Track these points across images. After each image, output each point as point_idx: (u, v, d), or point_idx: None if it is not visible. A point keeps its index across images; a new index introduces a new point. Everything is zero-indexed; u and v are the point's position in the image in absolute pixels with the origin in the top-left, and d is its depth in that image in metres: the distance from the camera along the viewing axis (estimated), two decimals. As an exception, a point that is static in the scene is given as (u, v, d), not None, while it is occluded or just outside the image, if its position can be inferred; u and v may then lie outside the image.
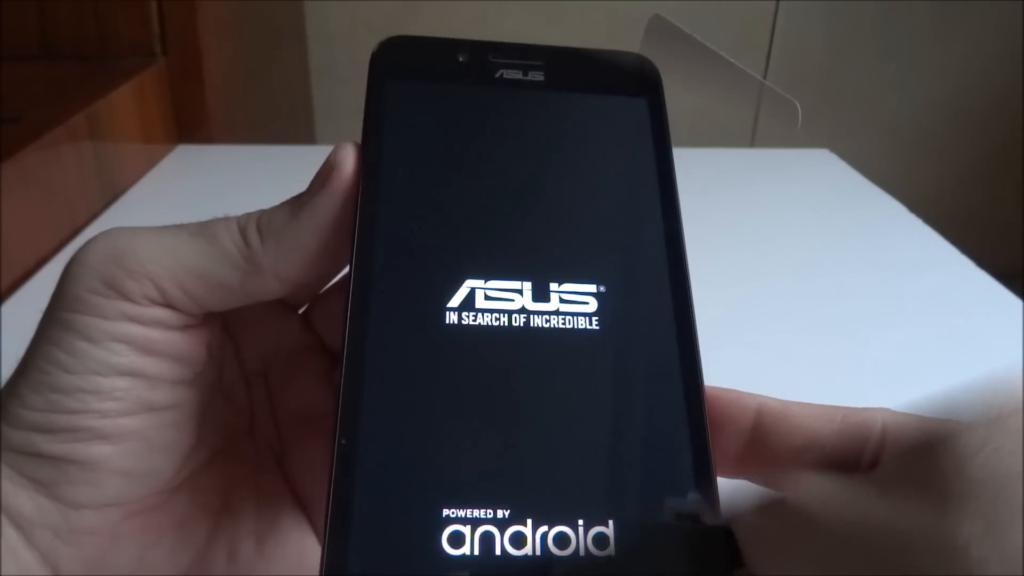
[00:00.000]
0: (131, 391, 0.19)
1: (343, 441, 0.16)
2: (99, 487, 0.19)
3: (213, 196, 0.59)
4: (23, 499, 0.19)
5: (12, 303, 0.45)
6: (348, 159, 0.19)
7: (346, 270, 0.22)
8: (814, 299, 0.49)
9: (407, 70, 0.21)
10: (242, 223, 0.20)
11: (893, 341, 0.45)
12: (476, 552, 0.15)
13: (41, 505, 0.19)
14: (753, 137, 1.31)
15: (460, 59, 0.21)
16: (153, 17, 0.64)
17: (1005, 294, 0.50)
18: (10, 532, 0.19)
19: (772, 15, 1.23)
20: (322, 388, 0.23)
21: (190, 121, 0.68)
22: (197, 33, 0.66)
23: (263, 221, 0.20)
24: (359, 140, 0.21)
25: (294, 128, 1.12)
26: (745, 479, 0.18)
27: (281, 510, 0.22)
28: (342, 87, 1.20)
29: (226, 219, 0.20)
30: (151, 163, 0.64)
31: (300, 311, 0.24)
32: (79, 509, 0.19)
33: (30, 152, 0.48)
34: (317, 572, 0.21)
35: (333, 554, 0.15)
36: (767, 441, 0.17)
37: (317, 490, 0.22)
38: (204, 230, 0.20)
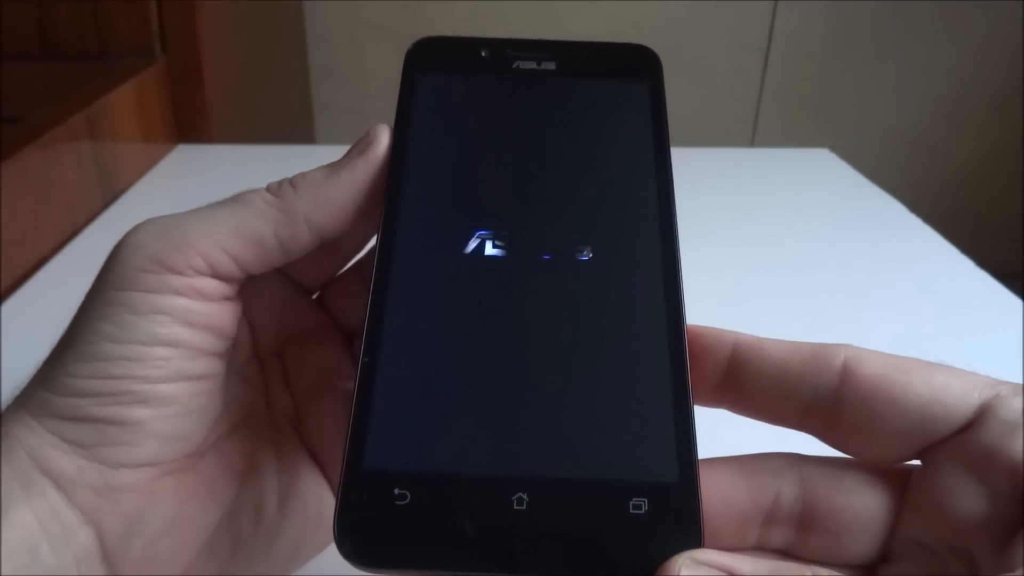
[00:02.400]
0: (171, 360, 0.21)
1: (366, 359, 0.19)
2: (137, 447, 0.21)
3: (213, 196, 0.59)
4: (64, 461, 0.20)
5: (12, 303, 0.45)
6: (384, 135, 0.22)
7: (356, 258, 0.26)
8: (814, 299, 0.49)
9: (435, 63, 0.24)
10: (273, 184, 0.22)
11: (893, 340, 0.45)
12: (471, 451, 0.18)
13: (81, 466, 0.20)
14: (753, 137, 1.32)
15: (482, 53, 0.24)
16: (153, 17, 0.64)
17: (1005, 294, 0.50)
18: (52, 493, 0.20)
19: (771, 15, 1.23)
20: (337, 359, 0.25)
21: (190, 121, 0.68)
22: (197, 33, 0.66)
23: (299, 177, 0.22)
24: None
25: (294, 128, 1.12)
26: (722, 408, 0.20)
27: (299, 470, 0.24)
28: (342, 87, 1.20)
29: (251, 188, 0.22)
30: (151, 163, 0.64)
31: (314, 296, 0.26)
32: (118, 468, 0.20)
33: (30, 152, 0.48)
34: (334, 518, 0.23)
35: (354, 446, 0.18)
36: (742, 371, 0.19)
37: (333, 448, 0.24)
38: (233, 198, 0.22)
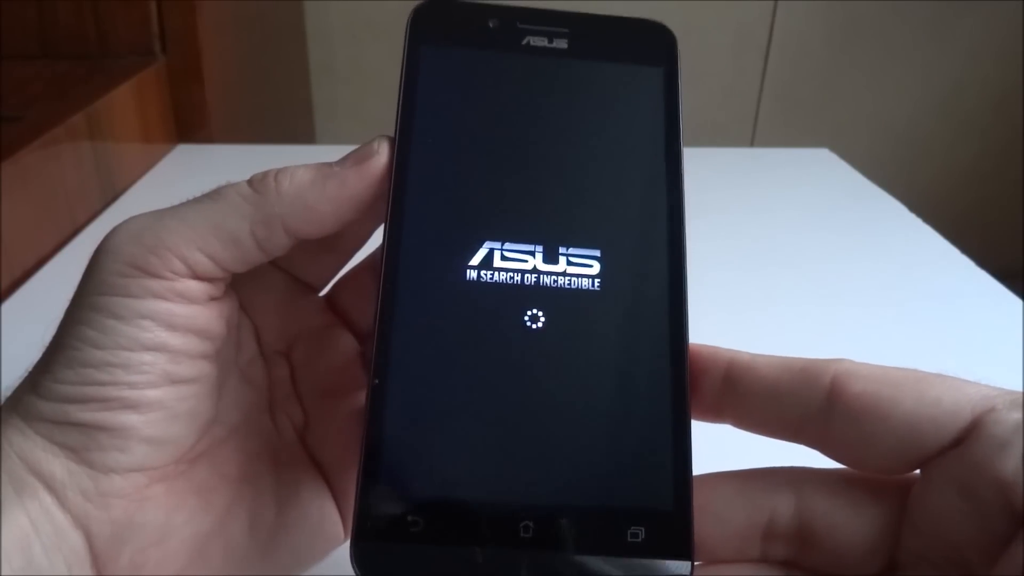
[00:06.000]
0: (156, 364, 0.21)
1: (376, 381, 0.19)
2: (126, 453, 0.20)
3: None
4: (55, 465, 0.20)
5: (12, 303, 0.45)
6: (384, 151, 0.21)
7: (364, 256, 0.25)
8: (814, 299, 0.49)
9: (440, 34, 0.23)
10: (257, 176, 0.21)
11: (892, 341, 0.45)
12: (482, 480, 0.19)
13: (72, 469, 0.20)
14: (753, 137, 1.31)
15: (490, 24, 0.23)
16: (153, 17, 0.64)
17: (1005, 294, 0.50)
18: (44, 495, 0.20)
19: (771, 15, 1.23)
20: (347, 363, 0.25)
21: (190, 121, 0.68)
22: (197, 33, 0.66)
23: (284, 174, 0.21)
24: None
25: (294, 127, 1.12)
26: (721, 423, 0.20)
27: (302, 479, 0.24)
28: (342, 87, 1.20)
29: (229, 182, 0.22)
30: (151, 163, 0.64)
31: (321, 294, 0.26)
32: (108, 474, 0.20)
33: (30, 152, 0.48)
34: (334, 534, 0.24)
35: (368, 474, 0.18)
36: (736, 390, 0.19)
37: (341, 456, 0.24)
38: (209, 194, 0.22)
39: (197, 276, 0.21)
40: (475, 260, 0.20)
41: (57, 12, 0.63)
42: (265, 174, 0.21)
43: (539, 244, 0.21)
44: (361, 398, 0.24)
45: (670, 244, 0.21)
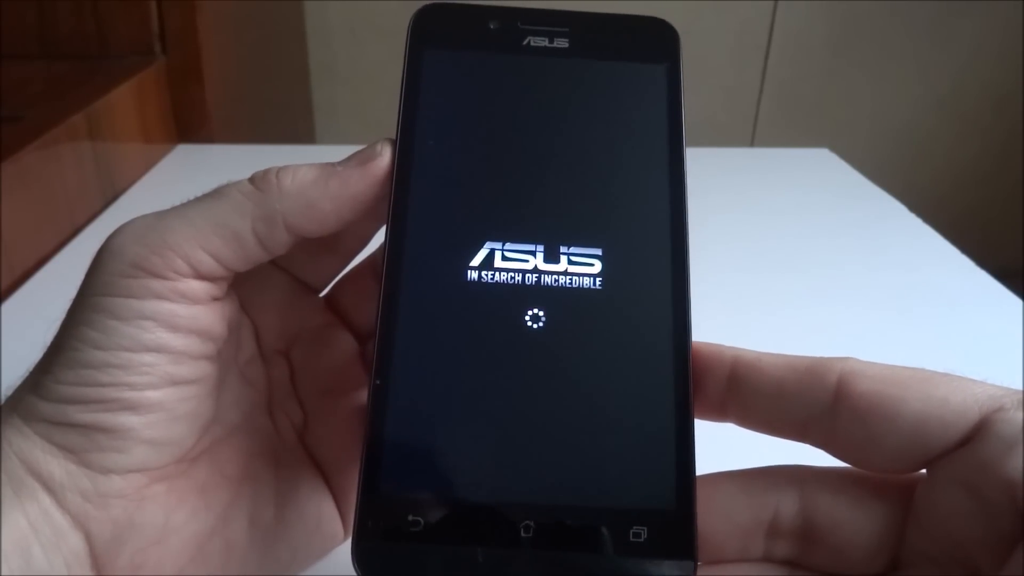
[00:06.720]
0: (157, 366, 0.20)
1: (378, 382, 0.19)
2: (125, 454, 0.20)
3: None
4: (54, 465, 0.20)
5: (12, 303, 0.45)
6: (386, 153, 0.21)
7: (365, 255, 0.25)
8: (814, 299, 0.49)
9: (441, 36, 0.23)
10: (258, 173, 0.21)
11: (893, 341, 0.45)
12: (482, 479, 0.19)
13: (70, 470, 0.20)
14: (753, 137, 1.32)
15: (491, 25, 0.23)
16: (153, 17, 0.64)
17: (1005, 294, 0.50)
18: (43, 496, 0.20)
19: (771, 15, 1.23)
20: (347, 363, 0.25)
21: (190, 121, 0.68)
22: (197, 33, 0.66)
23: (286, 172, 0.21)
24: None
25: (294, 127, 1.12)
26: (725, 422, 0.20)
27: (300, 477, 0.24)
28: (342, 87, 1.20)
29: (231, 181, 0.22)
30: (151, 163, 0.64)
31: (321, 295, 0.26)
32: (107, 474, 0.20)
33: (30, 152, 0.48)
34: (333, 533, 0.24)
35: (369, 473, 0.18)
36: (740, 389, 0.19)
37: (340, 456, 0.24)
38: (211, 193, 0.21)
39: (200, 276, 0.21)
40: (476, 260, 0.20)
41: (57, 12, 0.63)
42: (266, 171, 0.21)
43: (540, 244, 0.21)
44: (360, 398, 0.25)
45: (673, 242, 0.21)
